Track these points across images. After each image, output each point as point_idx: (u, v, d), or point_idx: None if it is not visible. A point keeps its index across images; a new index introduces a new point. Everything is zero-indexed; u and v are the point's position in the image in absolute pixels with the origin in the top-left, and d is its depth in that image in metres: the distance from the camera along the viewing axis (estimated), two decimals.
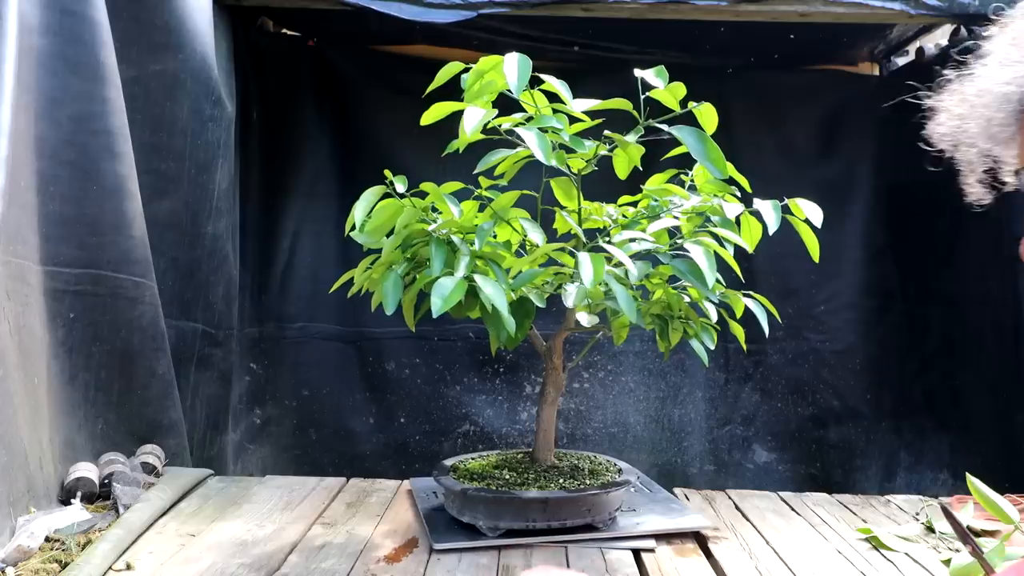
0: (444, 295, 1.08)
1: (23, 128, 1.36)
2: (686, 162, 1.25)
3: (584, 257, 1.10)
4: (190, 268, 1.83)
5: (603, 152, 1.21)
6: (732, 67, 2.42)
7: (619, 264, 1.17)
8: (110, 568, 1.13)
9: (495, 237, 1.30)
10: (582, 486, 1.28)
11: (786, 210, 1.23)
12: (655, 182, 1.31)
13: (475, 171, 1.17)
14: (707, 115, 1.15)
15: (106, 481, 1.42)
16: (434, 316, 1.08)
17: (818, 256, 1.26)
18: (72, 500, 1.36)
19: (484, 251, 1.21)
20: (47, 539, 1.20)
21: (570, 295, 1.21)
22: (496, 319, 1.14)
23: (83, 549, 1.17)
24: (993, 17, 0.68)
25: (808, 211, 1.23)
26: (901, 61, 2.46)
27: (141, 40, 1.68)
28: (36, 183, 1.42)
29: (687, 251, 1.23)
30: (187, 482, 1.50)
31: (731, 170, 1.22)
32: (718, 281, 1.23)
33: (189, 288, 1.84)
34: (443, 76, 1.12)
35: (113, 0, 1.57)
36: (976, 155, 0.67)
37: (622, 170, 1.26)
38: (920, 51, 2.31)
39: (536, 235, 1.22)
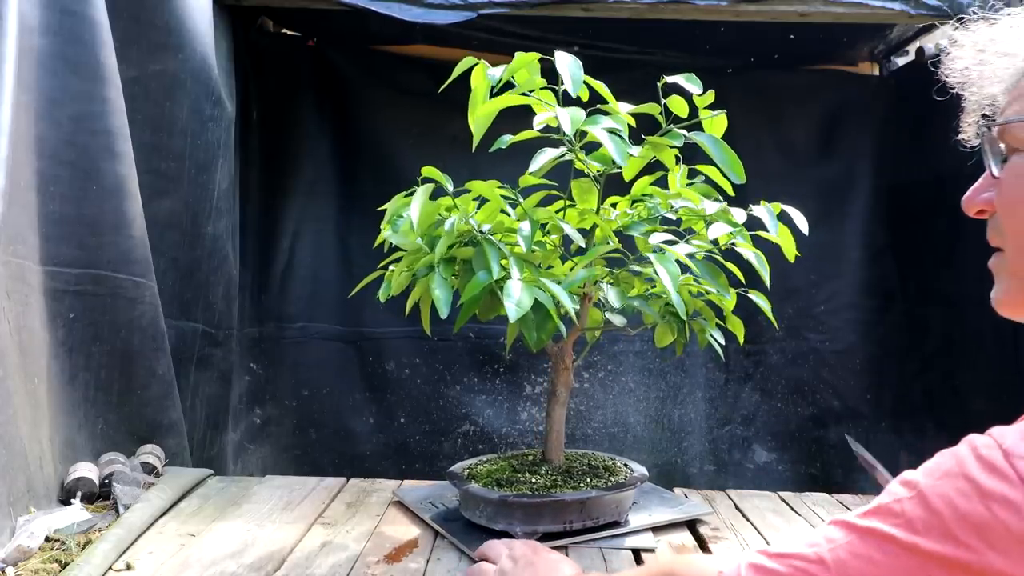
0: (517, 300, 1.07)
1: (23, 128, 1.36)
2: (661, 165, 1.26)
3: (655, 259, 1.12)
4: (190, 268, 1.83)
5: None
6: (732, 67, 2.42)
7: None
8: (110, 568, 1.13)
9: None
10: (609, 484, 1.29)
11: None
12: (642, 184, 1.32)
13: (529, 171, 1.16)
14: (716, 123, 1.17)
15: (106, 481, 1.42)
16: (511, 321, 1.06)
17: (794, 256, 1.27)
18: (72, 500, 1.36)
19: (529, 253, 1.20)
20: (47, 539, 1.20)
21: (612, 296, 1.21)
22: (528, 322, 1.14)
23: (83, 549, 1.17)
24: None
25: (791, 214, 1.25)
26: (901, 61, 2.46)
27: (141, 40, 1.68)
28: (36, 183, 1.42)
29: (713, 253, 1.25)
30: (187, 482, 1.50)
31: (715, 174, 1.22)
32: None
33: (189, 288, 1.84)
34: (459, 69, 1.11)
35: (113, 0, 1.57)
36: (978, 98, 0.70)
37: (630, 173, 1.27)
38: (920, 51, 2.31)
39: (577, 237, 1.22)
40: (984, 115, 0.68)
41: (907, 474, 0.56)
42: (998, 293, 0.69)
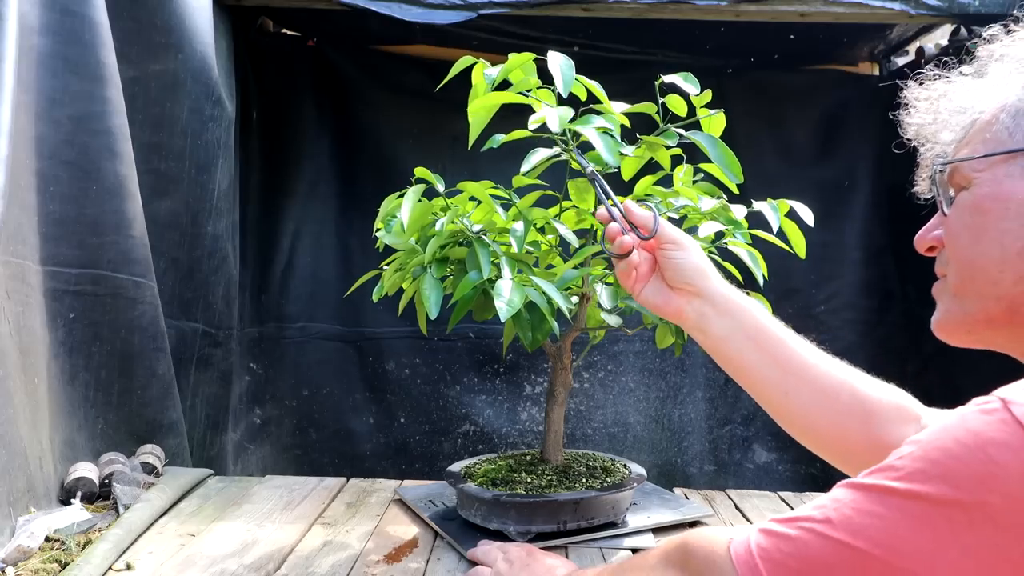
0: (507, 299, 1.07)
1: (23, 128, 1.36)
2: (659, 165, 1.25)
3: None
4: (190, 268, 1.84)
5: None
6: (732, 67, 2.42)
7: None
8: (110, 568, 1.13)
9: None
10: (605, 484, 1.29)
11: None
12: (645, 184, 1.32)
13: (522, 171, 1.15)
14: (715, 122, 1.17)
15: (106, 481, 1.42)
16: (502, 319, 1.07)
17: (804, 253, 1.27)
18: (72, 500, 1.36)
19: (522, 253, 1.20)
20: (47, 539, 1.20)
21: (604, 297, 1.21)
22: (522, 321, 1.13)
23: (83, 549, 1.17)
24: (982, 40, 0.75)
25: (797, 209, 1.25)
26: (901, 61, 2.46)
27: (141, 40, 1.68)
28: (36, 183, 1.42)
29: (712, 253, 1.25)
30: (187, 482, 1.50)
31: (719, 172, 1.22)
32: None
33: (189, 288, 1.84)
34: (456, 68, 1.11)
35: (113, 0, 1.57)
36: (931, 155, 0.76)
37: (629, 172, 1.27)
38: (920, 51, 2.31)
39: (571, 238, 1.22)
40: (936, 163, 0.74)
41: (915, 436, 0.58)
42: (938, 315, 0.74)
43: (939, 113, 0.75)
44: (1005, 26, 0.74)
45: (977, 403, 0.55)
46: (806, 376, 0.91)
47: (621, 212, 1.01)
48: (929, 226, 0.76)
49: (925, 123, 0.77)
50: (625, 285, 1.02)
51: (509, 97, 1.10)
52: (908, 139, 0.80)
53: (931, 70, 0.79)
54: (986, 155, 0.68)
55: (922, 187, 0.80)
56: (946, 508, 0.53)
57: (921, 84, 0.79)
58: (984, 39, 0.74)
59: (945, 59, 0.80)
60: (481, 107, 1.09)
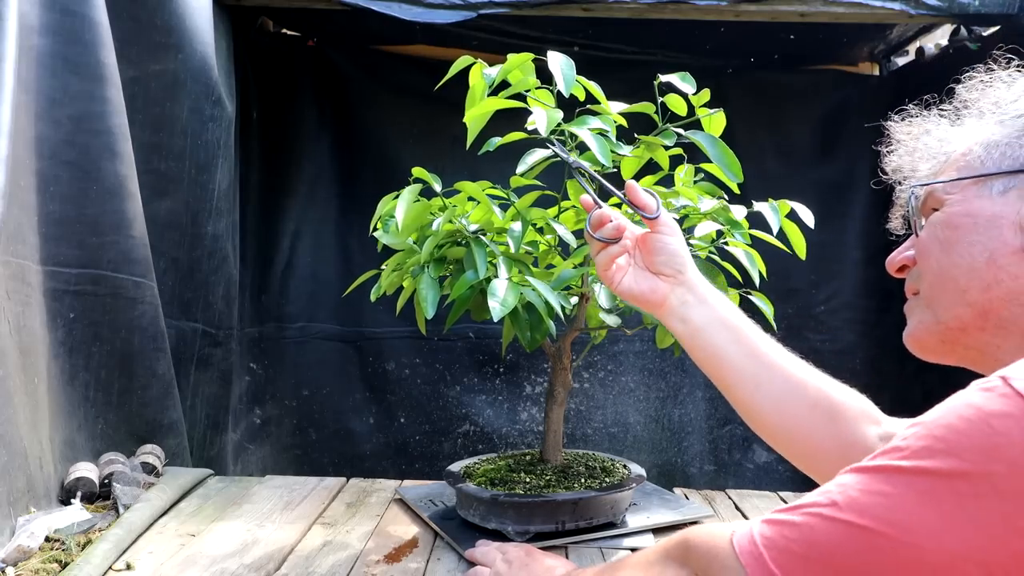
0: (501, 299, 1.07)
1: (23, 128, 1.37)
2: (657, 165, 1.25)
3: None
4: (190, 268, 1.84)
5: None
6: (732, 67, 2.42)
7: None
8: (110, 568, 1.13)
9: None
10: (604, 484, 1.29)
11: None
12: (644, 184, 1.32)
13: (518, 171, 1.15)
14: (715, 122, 1.17)
15: (106, 481, 1.42)
16: (495, 319, 1.07)
17: (805, 254, 1.27)
18: (72, 500, 1.36)
19: (519, 253, 1.20)
20: (47, 539, 1.20)
21: (602, 297, 1.21)
22: (521, 321, 1.13)
23: (83, 549, 1.17)
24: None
25: (797, 210, 1.25)
26: (901, 61, 2.46)
27: (141, 40, 1.68)
28: (36, 183, 1.42)
29: (712, 253, 1.25)
30: (187, 482, 1.50)
31: (718, 172, 1.22)
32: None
33: (189, 288, 1.84)
34: (455, 68, 1.11)
35: (113, 0, 1.57)
36: (908, 194, 0.81)
37: (628, 172, 1.26)
38: (920, 51, 2.32)
39: (570, 238, 1.22)
40: (913, 187, 0.79)
41: (918, 418, 0.59)
42: (911, 327, 0.80)
43: (917, 149, 0.81)
44: (986, 64, 0.78)
45: (977, 384, 0.57)
46: (776, 368, 0.92)
47: (623, 198, 1.01)
48: (900, 249, 0.82)
49: (903, 160, 0.82)
50: (605, 276, 1.00)
51: (505, 103, 1.10)
52: (886, 176, 0.85)
53: (913, 107, 0.84)
54: (959, 178, 0.73)
55: (895, 224, 0.87)
56: (952, 480, 0.53)
57: (904, 121, 0.84)
58: (963, 86, 0.79)
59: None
60: (477, 114, 1.09)
